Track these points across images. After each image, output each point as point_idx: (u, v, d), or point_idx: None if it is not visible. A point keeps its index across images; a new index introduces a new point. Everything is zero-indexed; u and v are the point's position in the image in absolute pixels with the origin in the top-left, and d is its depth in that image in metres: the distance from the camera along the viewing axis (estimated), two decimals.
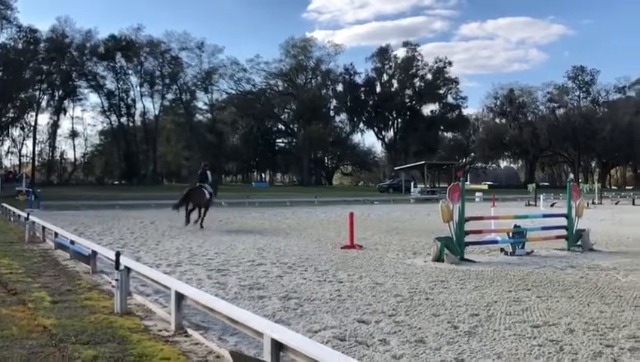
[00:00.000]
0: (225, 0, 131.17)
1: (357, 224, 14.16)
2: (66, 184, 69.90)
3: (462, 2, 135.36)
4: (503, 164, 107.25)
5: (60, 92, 76.77)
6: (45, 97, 76.09)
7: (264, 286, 7.97)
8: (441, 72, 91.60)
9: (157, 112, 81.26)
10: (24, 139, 77.11)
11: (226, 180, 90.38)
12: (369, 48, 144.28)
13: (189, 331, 5.59)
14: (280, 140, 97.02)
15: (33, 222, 14.60)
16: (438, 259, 10.35)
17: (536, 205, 34.42)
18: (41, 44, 72.18)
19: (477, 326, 5.83)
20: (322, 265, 10.06)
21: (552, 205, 33.13)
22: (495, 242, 11.98)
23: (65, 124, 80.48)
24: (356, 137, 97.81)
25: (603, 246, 12.85)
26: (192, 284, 7.30)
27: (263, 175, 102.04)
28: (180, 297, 5.66)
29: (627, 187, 75.68)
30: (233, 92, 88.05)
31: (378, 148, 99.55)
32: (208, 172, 18.76)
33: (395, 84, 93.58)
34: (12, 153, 77.77)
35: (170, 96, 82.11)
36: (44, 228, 13.78)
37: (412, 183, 56.37)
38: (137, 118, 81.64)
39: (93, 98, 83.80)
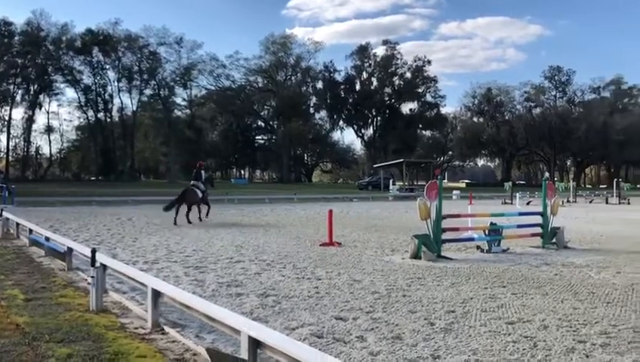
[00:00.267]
0: None
1: (336, 221, 14.21)
2: (41, 180, 68.65)
3: (441, 1, 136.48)
4: (481, 162, 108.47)
5: (35, 86, 75.22)
6: (20, 91, 74.53)
7: (242, 284, 7.95)
8: (420, 70, 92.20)
9: (135, 108, 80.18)
10: None
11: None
12: (349, 46, 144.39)
13: (166, 329, 5.55)
14: (259, 137, 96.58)
15: (7, 219, 14.37)
16: (416, 256, 10.44)
17: (512, 203, 34.79)
18: (16, 38, 70.60)
19: (453, 322, 5.90)
20: (301, 262, 10.07)
21: (527, 203, 33.55)
22: (471, 239, 12.12)
23: (40, 119, 78.91)
24: (336, 135, 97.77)
25: (577, 244, 13.08)
26: (169, 282, 7.24)
27: (243, 172, 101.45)
28: (157, 294, 5.63)
29: (601, 186, 77.00)
30: (212, 88, 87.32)
31: (357, 145, 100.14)
32: (202, 171, 19.45)
33: (375, 82, 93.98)
34: None
35: (148, 91, 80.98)
36: (18, 224, 13.56)
37: (391, 181, 56.69)
38: (115, 114, 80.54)
39: (70, 93, 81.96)
